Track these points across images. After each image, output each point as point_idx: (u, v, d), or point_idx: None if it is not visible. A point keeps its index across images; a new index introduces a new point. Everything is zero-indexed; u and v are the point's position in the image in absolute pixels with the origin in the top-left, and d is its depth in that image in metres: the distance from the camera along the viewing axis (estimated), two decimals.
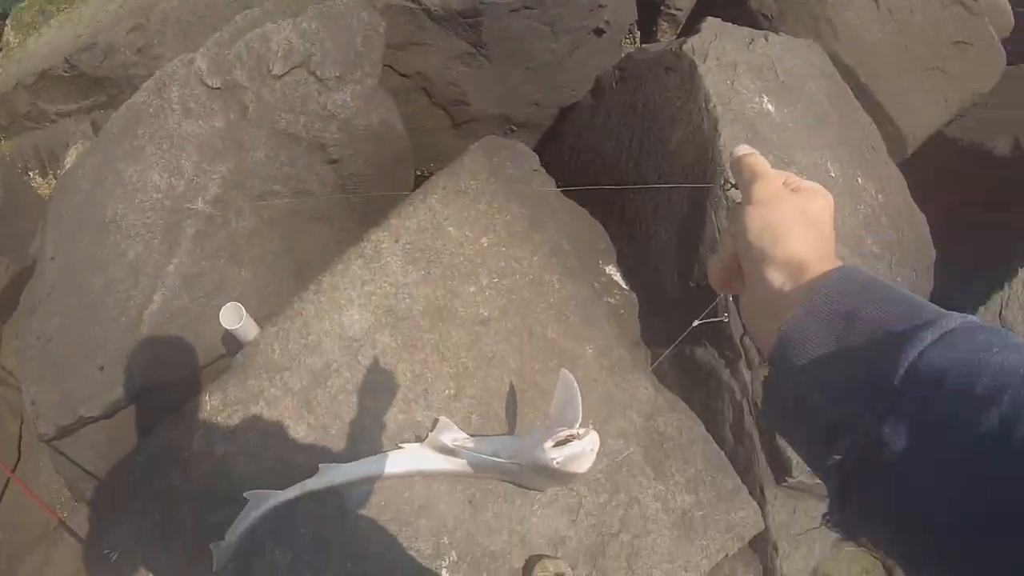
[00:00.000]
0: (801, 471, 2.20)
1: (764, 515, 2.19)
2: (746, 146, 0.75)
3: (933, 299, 0.53)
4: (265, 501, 1.80)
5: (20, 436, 3.19)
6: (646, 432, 2.10)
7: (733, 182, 0.77)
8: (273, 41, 2.35)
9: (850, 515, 0.49)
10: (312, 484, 1.82)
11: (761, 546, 2.31)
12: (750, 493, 2.15)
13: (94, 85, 3.16)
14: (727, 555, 2.06)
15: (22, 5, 4.57)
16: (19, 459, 3.17)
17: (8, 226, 3.20)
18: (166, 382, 2.13)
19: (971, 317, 0.47)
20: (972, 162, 3.44)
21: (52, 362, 2.31)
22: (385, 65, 2.79)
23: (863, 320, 0.49)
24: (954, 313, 0.48)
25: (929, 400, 0.43)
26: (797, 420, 0.53)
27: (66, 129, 3.26)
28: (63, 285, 2.44)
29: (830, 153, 2.51)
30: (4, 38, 4.43)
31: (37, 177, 3.37)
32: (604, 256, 2.49)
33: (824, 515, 0.52)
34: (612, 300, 2.37)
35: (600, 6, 2.77)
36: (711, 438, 2.21)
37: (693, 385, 2.45)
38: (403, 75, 2.87)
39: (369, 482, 1.85)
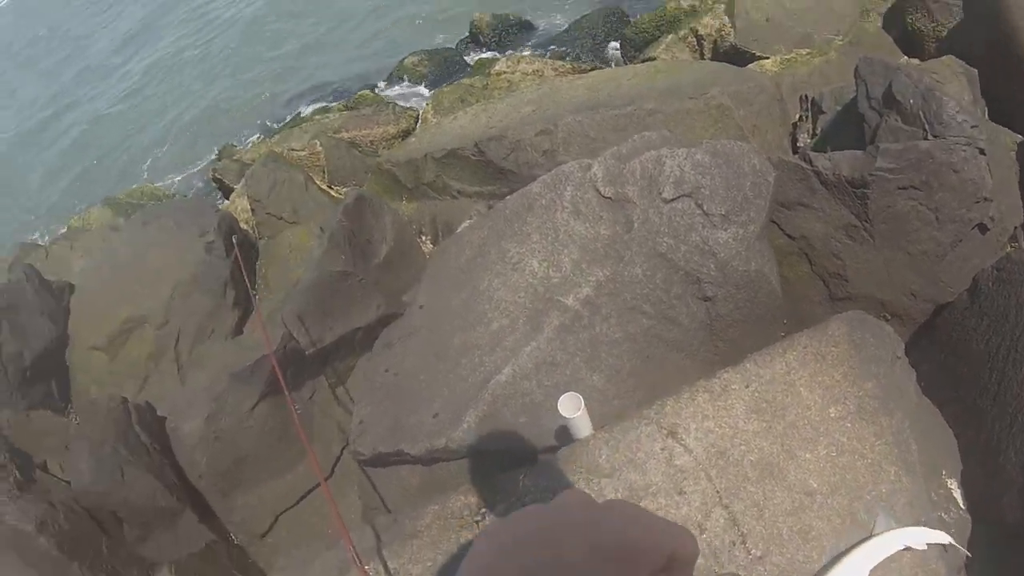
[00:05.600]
0: None
1: None
2: None
3: None
4: None
5: (339, 457, 3.60)
6: None
7: None
8: (667, 165, 2.48)
9: None
10: None
11: None
12: None
13: (497, 174, 3.62)
14: None
15: (445, 89, 5.54)
16: (330, 476, 3.56)
17: (392, 273, 3.75)
18: (491, 450, 2.25)
19: None
20: None
21: (392, 394, 2.59)
22: (771, 221, 2.80)
23: None
24: None
25: None
26: None
27: (464, 208, 3.76)
28: (425, 332, 2.77)
29: None
30: (424, 114, 5.41)
31: (428, 242, 3.91)
32: (948, 468, 2.22)
33: None
34: (945, 516, 2.10)
35: (986, 199, 2.56)
36: None
37: None
38: (789, 236, 2.85)
39: None
